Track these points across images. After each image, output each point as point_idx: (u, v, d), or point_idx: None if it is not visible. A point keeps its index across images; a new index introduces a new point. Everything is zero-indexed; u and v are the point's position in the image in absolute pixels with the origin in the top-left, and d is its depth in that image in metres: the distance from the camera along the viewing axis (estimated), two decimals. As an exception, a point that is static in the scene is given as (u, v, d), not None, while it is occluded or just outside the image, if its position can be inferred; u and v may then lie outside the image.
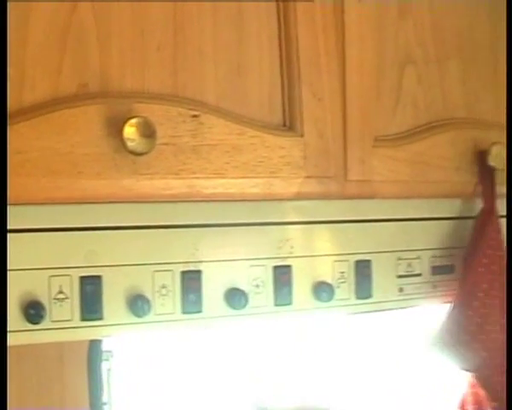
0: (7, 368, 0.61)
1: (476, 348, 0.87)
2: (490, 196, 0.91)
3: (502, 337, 0.87)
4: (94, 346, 0.88)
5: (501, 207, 0.92)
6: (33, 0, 0.66)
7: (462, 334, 0.87)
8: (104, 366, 0.90)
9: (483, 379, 0.88)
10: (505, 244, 0.91)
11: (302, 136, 0.75)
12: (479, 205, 0.92)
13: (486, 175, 0.91)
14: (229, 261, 0.75)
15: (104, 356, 0.90)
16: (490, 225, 0.89)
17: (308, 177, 0.75)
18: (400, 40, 0.87)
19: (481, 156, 0.90)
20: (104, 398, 0.90)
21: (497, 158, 0.89)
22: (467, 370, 0.88)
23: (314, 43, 0.77)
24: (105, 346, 0.90)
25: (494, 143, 0.89)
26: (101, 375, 0.90)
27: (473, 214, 0.92)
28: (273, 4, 0.76)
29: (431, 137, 0.87)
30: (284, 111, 0.76)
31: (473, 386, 0.93)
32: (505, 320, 0.87)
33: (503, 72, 0.96)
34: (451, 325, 0.87)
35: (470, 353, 0.87)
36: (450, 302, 0.90)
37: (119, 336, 0.80)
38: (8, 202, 0.60)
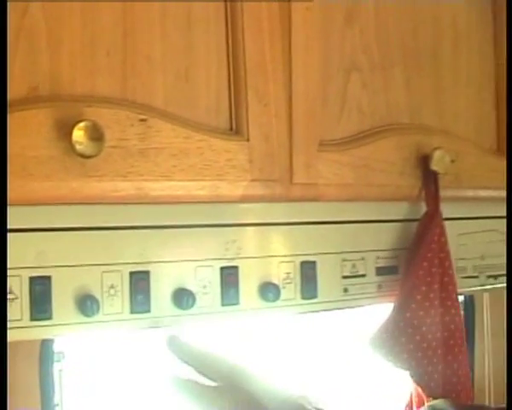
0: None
1: (411, 349, 0.91)
2: (433, 200, 0.96)
3: (437, 338, 0.92)
4: (45, 347, 0.90)
5: (446, 210, 0.97)
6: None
7: (399, 335, 0.91)
8: (56, 367, 0.92)
9: (418, 377, 0.93)
10: (448, 247, 0.96)
11: (248, 140, 0.79)
12: (423, 208, 0.97)
13: (429, 179, 0.96)
14: (177, 262, 0.78)
15: (56, 357, 0.93)
16: (432, 228, 0.94)
17: (253, 180, 0.79)
18: (346, 47, 0.91)
19: (424, 161, 0.95)
20: (56, 399, 0.93)
21: (439, 162, 0.94)
22: (402, 369, 0.93)
23: (260, 50, 0.80)
24: (57, 347, 0.92)
25: (436, 148, 0.94)
26: (52, 376, 0.92)
27: (417, 217, 0.97)
28: (221, 11, 0.80)
29: (375, 141, 0.91)
30: (231, 116, 0.79)
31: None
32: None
33: (446, 78, 1.01)
34: (389, 325, 0.92)
35: (405, 353, 0.91)
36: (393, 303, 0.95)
37: (69, 337, 0.83)
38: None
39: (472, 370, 1.42)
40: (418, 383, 0.93)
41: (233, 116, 0.79)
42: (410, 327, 0.91)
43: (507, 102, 1.14)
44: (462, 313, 1.00)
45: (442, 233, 0.96)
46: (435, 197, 0.96)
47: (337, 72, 0.90)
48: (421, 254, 0.93)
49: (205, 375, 0.81)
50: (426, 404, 0.91)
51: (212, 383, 0.80)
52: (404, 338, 0.91)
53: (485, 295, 1.46)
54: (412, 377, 0.93)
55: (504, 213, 1.09)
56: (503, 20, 1.09)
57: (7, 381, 0.64)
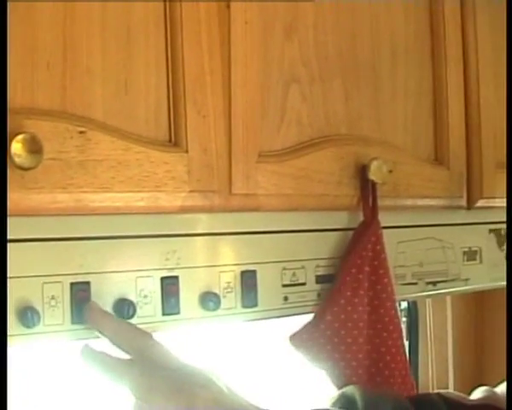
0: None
1: (328, 350, 0.96)
2: (370, 209, 1.01)
3: (357, 343, 0.97)
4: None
5: (385, 218, 1.02)
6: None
7: (318, 336, 0.96)
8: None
9: (334, 378, 0.98)
10: (384, 255, 1.01)
11: (187, 151, 0.82)
12: (362, 217, 1.02)
13: (367, 189, 1.00)
14: (118, 273, 0.81)
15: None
16: (366, 236, 0.99)
17: (192, 191, 0.82)
18: (286, 59, 0.95)
19: (362, 171, 1.00)
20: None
21: (377, 172, 0.99)
22: (320, 368, 0.98)
23: (199, 62, 0.84)
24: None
25: (374, 159, 0.99)
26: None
27: (356, 226, 1.02)
28: (161, 24, 0.83)
29: (314, 152, 0.96)
30: (170, 128, 0.83)
31: None
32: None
33: (384, 90, 1.06)
34: (309, 325, 0.96)
35: (323, 353, 0.96)
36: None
37: (10, 348, 0.85)
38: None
39: (416, 376, 1.48)
40: (336, 383, 0.97)
41: (172, 128, 0.83)
42: (330, 330, 0.96)
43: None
44: (399, 319, 1.05)
45: (378, 242, 1.00)
46: (373, 206, 1.01)
47: (276, 84, 0.94)
48: (350, 261, 0.98)
49: (118, 346, 0.79)
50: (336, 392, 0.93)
51: (125, 356, 0.78)
52: (322, 340, 0.96)
53: (428, 302, 1.52)
54: (329, 376, 0.97)
55: (442, 222, 1.15)
56: (441, 33, 1.15)
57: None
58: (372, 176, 0.98)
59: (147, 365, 0.76)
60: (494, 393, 0.98)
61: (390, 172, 1.03)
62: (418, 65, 1.13)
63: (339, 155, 0.98)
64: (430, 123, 1.14)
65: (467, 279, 1.20)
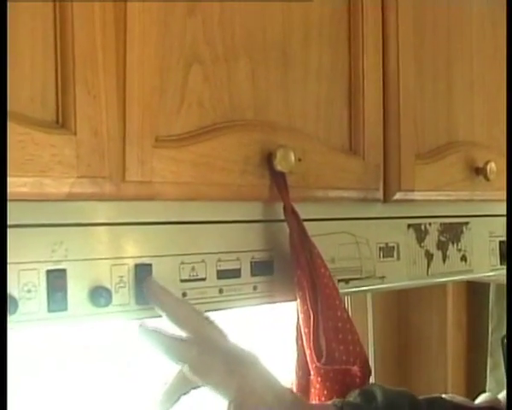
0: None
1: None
2: (284, 199, 1.05)
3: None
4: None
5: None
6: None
7: None
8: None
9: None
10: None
11: (75, 134, 0.85)
12: (268, 208, 1.06)
13: (277, 178, 1.05)
14: (-3, 265, 0.83)
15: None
16: (293, 225, 1.06)
17: (81, 177, 0.85)
18: (187, 37, 0.98)
19: (268, 159, 1.04)
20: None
21: (283, 161, 1.03)
22: None
23: (91, 38, 0.86)
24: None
25: (281, 146, 1.04)
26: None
27: (262, 218, 1.07)
28: (49, -1, 0.86)
29: (216, 138, 1.00)
30: (57, 108, 0.85)
31: None
32: None
33: (295, 73, 1.11)
34: None
35: None
36: (237, 307, 1.04)
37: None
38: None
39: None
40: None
41: (59, 108, 0.85)
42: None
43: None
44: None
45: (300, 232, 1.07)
46: (282, 198, 1.05)
47: (177, 63, 0.97)
48: (294, 254, 1.07)
49: (176, 324, 0.93)
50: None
51: (181, 335, 0.92)
52: None
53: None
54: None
55: (356, 215, 1.21)
56: (358, 13, 1.21)
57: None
58: (278, 165, 1.03)
59: (203, 345, 0.92)
60: (497, 398, 1.10)
61: (299, 160, 1.08)
62: (333, 47, 1.18)
63: (244, 141, 1.02)
64: (344, 109, 1.20)
65: (383, 277, 1.26)
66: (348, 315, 1.10)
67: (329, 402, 1.00)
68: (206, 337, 0.93)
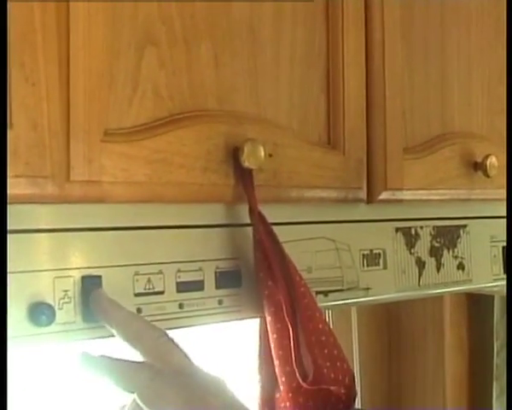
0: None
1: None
2: (250, 200, 1.07)
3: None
4: None
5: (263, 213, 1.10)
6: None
7: None
8: None
9: None
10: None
11: (11, 127, 0.86)
12: (234, 211, 1.09)
13: (243, 175, 1.07)
14: None
15: None
16: (260, 227, 1.08)
17: (18, 176, 0.86)
18: (140, 16, 1.00)
19: (234, 154, 1.06)
20: None
21: (252, 157, 1.06)
22: None
23: (29, 17, 0.88)
24: None
25: (248, 140, 1.06)
26: None
27: (227, 222, 1.09)
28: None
29: (174, 131, 1.01)
30: (-10, 98, 0.87)
31: None
32: None
33: (264, 57, 1.13)
34: None
35: None
36: (200, 324, 1.06)
37: None
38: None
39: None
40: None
41: (-7, 98, 0.87)
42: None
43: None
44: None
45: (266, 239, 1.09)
46: (249, 199, 1.07)
47: (128, 46, 0.99)
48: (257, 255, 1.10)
49: (126, 341, 0.93)
50: None
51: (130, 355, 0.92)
52: None
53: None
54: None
55: (336, 218, 1.23)
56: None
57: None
58: (246, 161, 1.05)
59: (157, 368, 0.90)
60: None
61: (269, 156, 1.10)
62: (308, 27, 1.20)
63: (205, 134, 1.04)
64: (322, 98, 1.22)
65: (367, 288, 1.29)
66: (330, 328, 1.12)
67: None
68: (163, 359, 0.92)
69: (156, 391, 0.89)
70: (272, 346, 1.08)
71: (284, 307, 1.07)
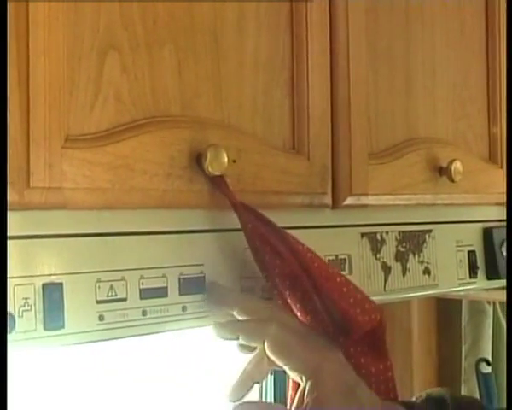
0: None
1: None
2: (229, 196, 1.08)
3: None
4: None
5: (227, 219, 1.09)
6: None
7: None
8: None
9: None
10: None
11: (-31, 133, 0.86)
12: (202, 217, 1.08)
13: (214, 178, 1.07)
14: None
15: None
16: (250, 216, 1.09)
17: (-24, 183, 0.86)
18: (102, 20, 1.00)
19: (198, 160, 1.06)
20: None
21: (215, 162, 1.05)
22: None
23: (-13, 21, 0.88)
24: None
25: (211, 145, 1.06)
26: None
27: (194, 228, 1.09)
28: None
29: (137, 136, 1.01)
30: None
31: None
32: None
33: (228, 62, 1.13)
34: None
35: None
36: (164, 331, 1.06)
37: None
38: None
39: None
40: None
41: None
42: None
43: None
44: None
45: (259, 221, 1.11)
46: (229, 195, 1.08)
47: (90, 51, 0.98)
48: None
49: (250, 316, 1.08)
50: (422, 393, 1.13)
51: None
52: None
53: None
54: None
55: (301, 224, 1.23)
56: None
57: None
58: (209, 166, 1.05)
59: (280, 324, 1.06)
60: None
61: (233, 162, 1.10)
62: (272, 32, 1.21)
63: (169, 140, 1.04)
64: (286, 102, 1.22)
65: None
66: (346, 277, 1.16)
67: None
68: (280, 319, 1.07)
69: (284, 340, 1.05)
70: (299, 315, 1.12)
71: (301, 276, 1.11)
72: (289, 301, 1.12)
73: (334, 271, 1.15)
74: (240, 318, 1.07)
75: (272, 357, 1.04)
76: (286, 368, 1.05)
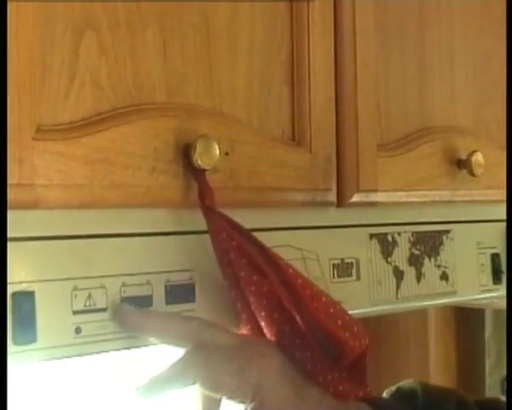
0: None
1: None
2: (209, 199, 1.07)
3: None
4: None
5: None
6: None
7: None
8: None
9: None
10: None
11: None
12: (190, 217, 1.08)
13: (197, 176, 1.06)
14: None
15: None
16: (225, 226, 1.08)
17: None
18: (78, -2, 1.00)
19: (186, 153, 1.06)
20: None
21: (205, 155, 1.05)
22: None
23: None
24: None
25: (201, 136, 1.05)
26: None
27: (179, 229, 1.08)
28: None
29: (117, 127, 1.00)
30: None
31: None
32: None
33: (220, 45, 1.13)
34: None
35: None
36: (149, 345, 1.06)
37: None
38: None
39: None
40: None
41: None
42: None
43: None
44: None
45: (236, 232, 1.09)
46: (210, 198, 1.07)
47: (64, 31, 0.98)
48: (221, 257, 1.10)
49: (169, 342, 1.05)
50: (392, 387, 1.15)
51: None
52: None
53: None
54: None
55: (302, 224, 1.23)
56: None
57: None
58: (199, 160, 1.04)
59: (207, 350, 1.02)
60: None
61: (226, 154, 1.09)
62: (270, 10, 1.20)
63: (153, 130, 1.04)
64: (285, 89, 1.22)
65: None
66: (331, 298, 1.15)
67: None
68: (206, 341, 1.02)
69: (214, 371, 1.01)
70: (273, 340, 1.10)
71: (282, 294, 1.08)
72: (263, 323, 1.09)
73: (318, 289, 1.13)
74: (159, 342, 1.05)
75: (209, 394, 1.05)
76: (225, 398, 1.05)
